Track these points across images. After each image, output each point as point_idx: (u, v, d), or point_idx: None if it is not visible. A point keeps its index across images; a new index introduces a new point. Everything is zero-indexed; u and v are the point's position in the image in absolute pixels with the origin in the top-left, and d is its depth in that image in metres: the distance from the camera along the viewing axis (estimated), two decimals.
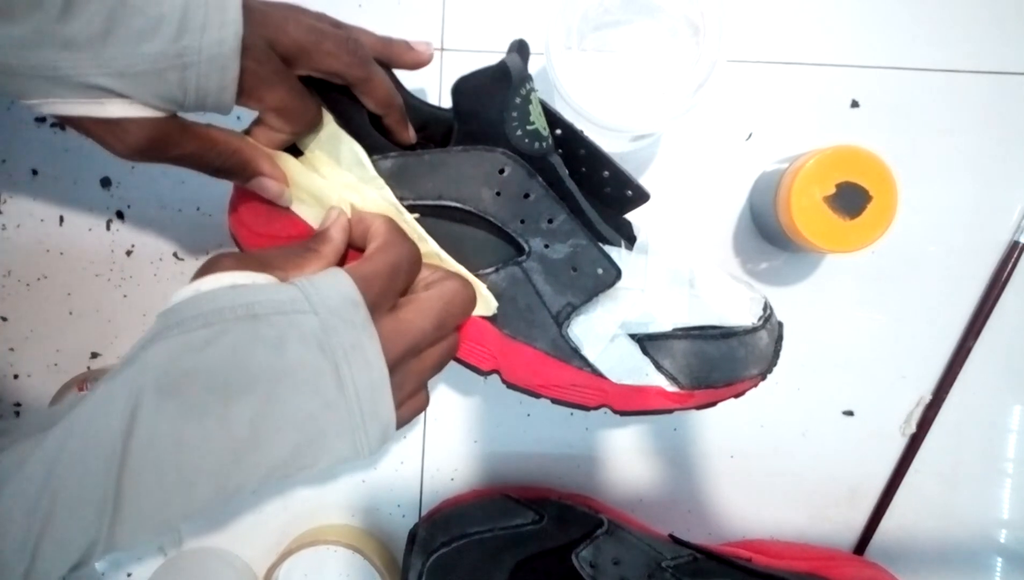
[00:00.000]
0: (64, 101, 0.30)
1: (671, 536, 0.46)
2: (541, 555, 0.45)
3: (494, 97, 0.35)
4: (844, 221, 0.43)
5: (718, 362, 0.40)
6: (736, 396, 0.42)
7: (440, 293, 0.35)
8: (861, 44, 0.50)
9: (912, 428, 0.50)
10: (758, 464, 0.51)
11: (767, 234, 0.50)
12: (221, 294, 0.30)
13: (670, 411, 0.41)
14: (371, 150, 0.37)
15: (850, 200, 0.43)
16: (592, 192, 0.41)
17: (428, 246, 0.38)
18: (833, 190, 0.43)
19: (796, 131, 0.50)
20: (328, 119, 0.37)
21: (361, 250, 0.36)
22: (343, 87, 0.37)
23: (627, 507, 0.51)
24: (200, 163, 0.35)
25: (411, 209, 0.38)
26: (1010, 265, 0.49)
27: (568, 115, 0.40)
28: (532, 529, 0.45)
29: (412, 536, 0.46)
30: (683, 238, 0.50)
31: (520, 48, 0.38)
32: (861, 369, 0.51)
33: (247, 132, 0.37)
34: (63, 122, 0.32)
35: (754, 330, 0.41)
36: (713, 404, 0.41)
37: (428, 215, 0.38)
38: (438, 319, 0.34)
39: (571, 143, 0.40)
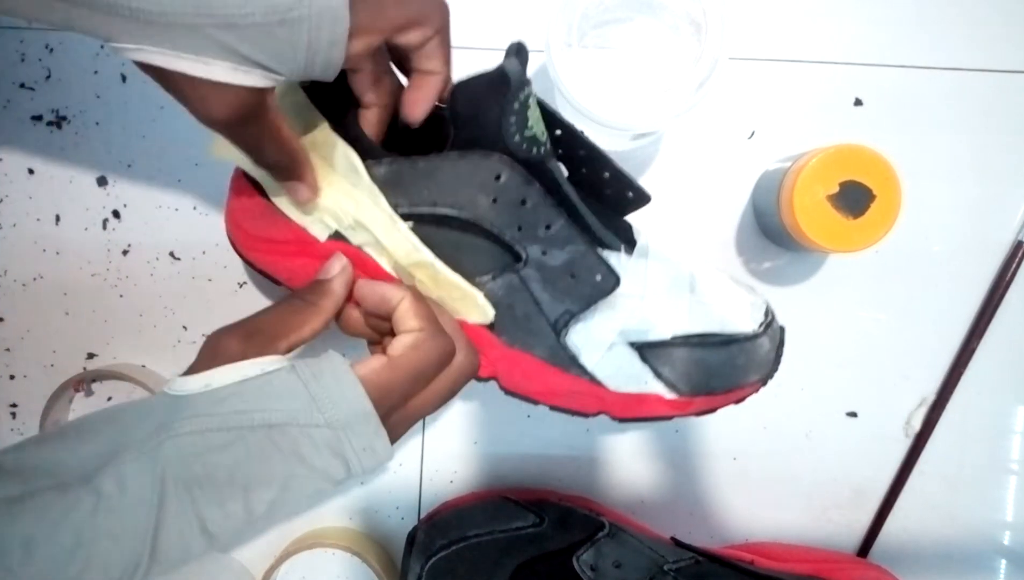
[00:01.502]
0: (164, 52, 0.28)
1: (673, 539, 0.46)
2: (542, 558, 0.44)
3: (492, 103, 0.35)
4: (847, 220, 0.42)
5: (718, 369, 0.40)
6: (736, 402, 0.41)
7: (448, 378, 0.35)
8: (865, 42, 0.49)
9: (916, 429, 0.50)
10: (760, 466, 0.51)
11: (770, 233, 0.49)
12: (234, 394, 0.31)
13: (669, 418, 0.41)
14: (365, 155, 0.37)
15: (853, 199, 0.42)
16: (592, 194, 0.41)
17: (423, 256, 0.37)
18: (836, 189, 0.42)
19: (799, 129, 0.50)
20: (323, 124, 0.37)
21: (380, 318, 0.36)
22: (337, 90, 0.36)
23: (628, 509, 0.50)
24: (264, 146, 0.34)
25: (406, 217, 0.37)
26: (1014, 265, 0.49)
27: (569, 113, 0.40)
28: (532, 532, 0.45)
29: (411, 538, 0.46)
30: (685, 238, 0.50)
31: (518, 51, 0.37)
32: (864, 370, 0.50)
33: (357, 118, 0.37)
34: (147, 70, 0.29)
35: (755, 337, 0.40)
36: (712, 410, 0.41)
37: (423, 223, 0.37)
38: (444, 400, 0.35)
39: (571, 144, 0.39)
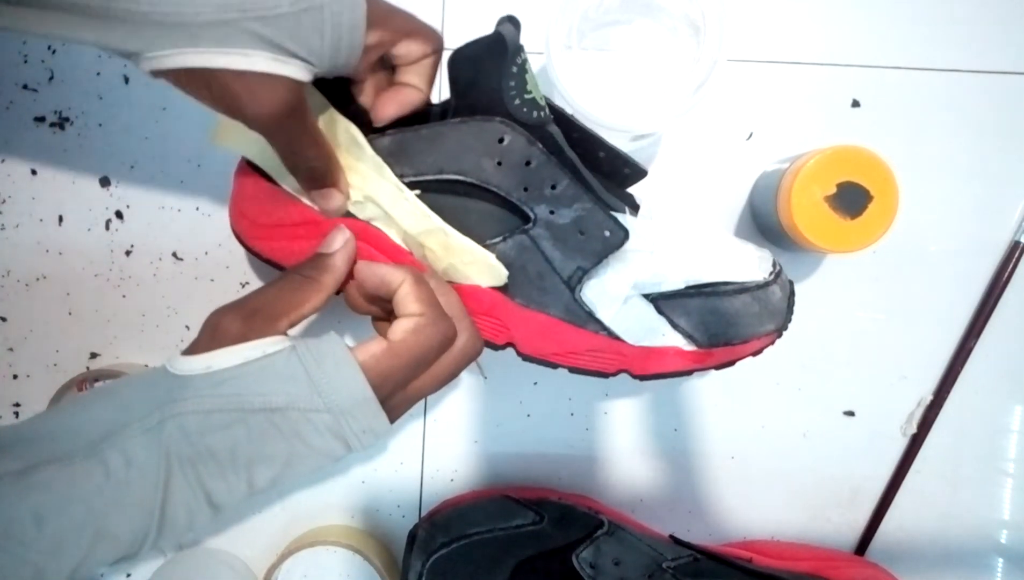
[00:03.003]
0: (205, 51, 0.29)
1: (671, 537, 0.46)
2: (541, 556, 0.44)
3: (491, 66, 0.35)
4: (845, 221, 0.43)
5: (733, 318, 0.40)
6: (754, 354, 0.41)
7: (450, 360, 0.35)
8: (862, 44, 0.50)
9: (913, 428, 0.50)
10: (759, 464, 0.51)
11: (768, 234, 0.50)
12: (235, 377, 0.31)
13: (689, 373, 0.41)
14: (367, 129, 0.37)
15: (851, 200, 0.43)
16: (590, 171, 0.41)
17: (432, 222, 0.37)
18: (834, 190, 0.43)
19: (797, 131, 0.50)
20: (323, 101, 0.37)
21: (382, 299, 0.36)
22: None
23: (627, 508, 0.51)
24: (305, 147, 0.35)
25: (412, 186, 0.37)
26: (1011, 265, 0.49)
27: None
28: (532, 530, 0.45)
29: (412, 537, 0.46)
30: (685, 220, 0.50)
31: (510, 20, 0.38)
32: (862, 369, 0.51)
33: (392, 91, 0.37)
34: (183, 80, 0.31)
35: (766, 285, 0.41)
36: (731, 363, 0.41)
37: (430, 190, 0.38)
38: (445, 382, 0.36)
39: (563, 127, 0.40)
